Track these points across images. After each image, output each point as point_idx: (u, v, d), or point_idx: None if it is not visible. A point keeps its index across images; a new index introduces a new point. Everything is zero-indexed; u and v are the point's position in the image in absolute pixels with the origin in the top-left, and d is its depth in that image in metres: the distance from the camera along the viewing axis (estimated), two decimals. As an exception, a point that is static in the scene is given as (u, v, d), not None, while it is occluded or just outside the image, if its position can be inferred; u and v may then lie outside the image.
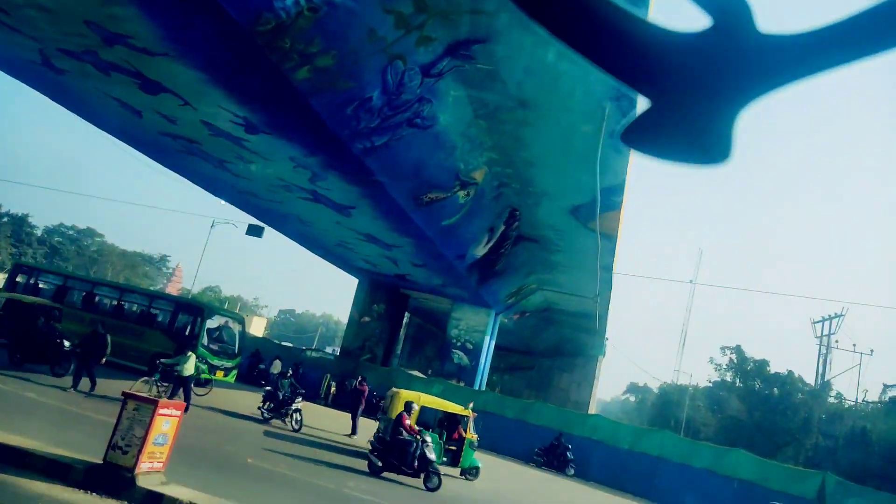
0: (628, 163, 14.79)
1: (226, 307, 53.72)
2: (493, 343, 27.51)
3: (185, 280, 74.35)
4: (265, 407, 13.63)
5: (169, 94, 11.78)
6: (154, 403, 6.03)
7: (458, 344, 25.49)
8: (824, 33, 0.91)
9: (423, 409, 11.48)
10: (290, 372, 14.46)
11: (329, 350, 60.42)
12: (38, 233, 63.55)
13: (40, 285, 18.32)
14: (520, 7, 0.97)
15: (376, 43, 10.54)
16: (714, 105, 1.01)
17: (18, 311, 13.33)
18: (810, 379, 35.57)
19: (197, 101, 11.98)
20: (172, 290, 67.52)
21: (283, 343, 38.87)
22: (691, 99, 1.03)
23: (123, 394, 6.17)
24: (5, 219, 60.29)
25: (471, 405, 12.27)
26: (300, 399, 13.47)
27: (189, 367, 12.45)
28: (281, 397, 13.42)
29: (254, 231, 20.21)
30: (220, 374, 16.05)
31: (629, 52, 1.00)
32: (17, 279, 18.32)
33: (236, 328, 17.97)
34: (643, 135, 1.10)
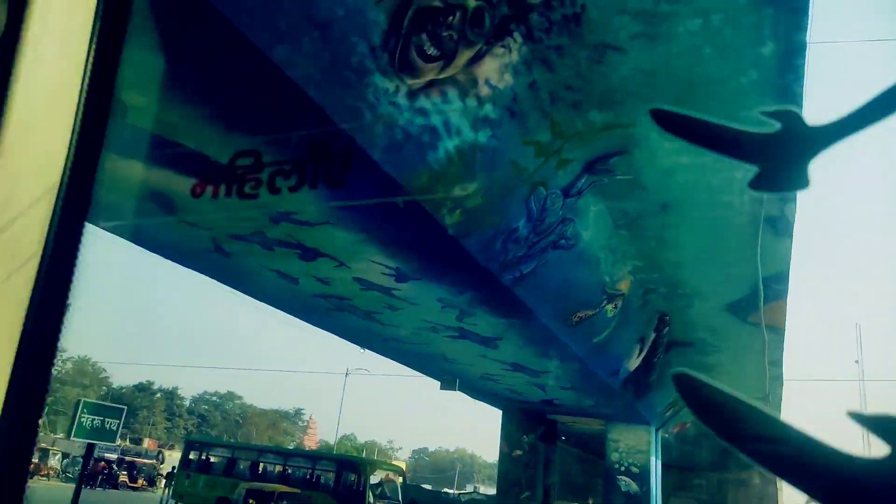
0: (791, 248, 13.77)
1: (363, 454, 53.53)
2: (660, 463, 25.21)
3: (320, 431, 75.32)
4: None
5: (326, 257, 12.37)
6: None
7: (622, 469, 23.51)
8: None
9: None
10: None
11: (469, 488, 57.93)
12: (186, 403, 67.76)
13: (211, 459, 18.92)
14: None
15: (519, 174, 10.70)
16: None
17: None
18: None
19: (351, 260, 12.49)
20: (310, 443, 68.57)
21: (423, 486, 37.62)
22: None
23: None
24: (158, 395, 64.99)
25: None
26: None
27: None
28: None
29: (448, 385, 20.23)
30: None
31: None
32: (191, 456, 19.05)
33: (397, 480, 17.51)
34: None
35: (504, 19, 8.33)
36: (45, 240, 1.31)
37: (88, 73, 1.39)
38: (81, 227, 1.37)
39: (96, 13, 1.41)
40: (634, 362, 19.50)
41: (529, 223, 11.81)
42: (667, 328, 19.36)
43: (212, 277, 14.87)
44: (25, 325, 1.24)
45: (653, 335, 19.19)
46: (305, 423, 77.27)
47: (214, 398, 70.14)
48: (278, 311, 17.50)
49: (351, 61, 7.54)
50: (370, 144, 8.60)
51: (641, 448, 23.85)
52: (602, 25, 8.47)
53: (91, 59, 1.40)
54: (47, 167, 1.34)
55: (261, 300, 16.78)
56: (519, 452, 25.15)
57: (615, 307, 16.38)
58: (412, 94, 8.44)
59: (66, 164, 1.36)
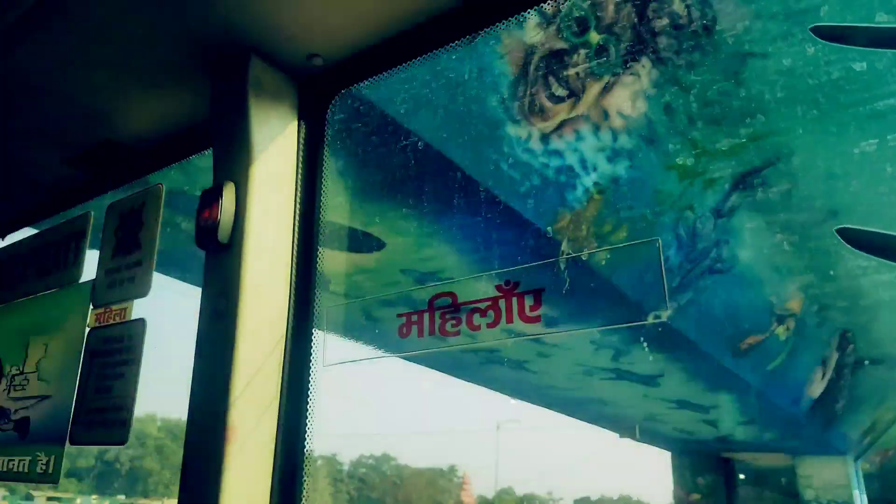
0: None
1: (524, 508, 51.99)
2: (866, 497, 22.22)
3: (474, 487, 74.26)
4: None
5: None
6: None
7: (823, 509, 20.92)
8: None
9: None
10: None
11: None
12: (346, 468, 70.02)
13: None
14: None
15: (664, 201, 10.18)
16: None
17: None
18: None
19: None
20: (468, 500, 67.93)
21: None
22: None
23: None
24: (319, 461, 67.85)
25: None
26: None
27: None
28: None
29: (627, 434, 19.62)
30: None
31: None
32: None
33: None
34: None
35: (630, 47, 8.09)
36: (280, 382, 1.59)
37: (297, 242, 1.70)
38: (309, 368, 1.63)
39: (295, 191, 1.73)
40: (818, 387, 17.50)
41: (681, 251, 11.13)
42: (851, 346, 17.28)
43: (364, 344, 15.38)
44: (275, 455, 1.54)
45: (835, 355, 17.18)
46: (460, 480, 76.84)
47: (370, 461, 71.92)
48: (429, 369, 17.74)
49: (483, 115, 7.63)
50: (508, 193, 8.58)
51: (840, 482, 21.13)
52: (738, 33, 7.97)
53: (297, 229, 1.71)
54: (276, 322, 1.62)
55: (411, 361, 17.10)
56: (696, 496, 23.22)
57: (787, 329, 14.90)
58: (545, 138, 8.35)
59: (288, 316, 1.65)
